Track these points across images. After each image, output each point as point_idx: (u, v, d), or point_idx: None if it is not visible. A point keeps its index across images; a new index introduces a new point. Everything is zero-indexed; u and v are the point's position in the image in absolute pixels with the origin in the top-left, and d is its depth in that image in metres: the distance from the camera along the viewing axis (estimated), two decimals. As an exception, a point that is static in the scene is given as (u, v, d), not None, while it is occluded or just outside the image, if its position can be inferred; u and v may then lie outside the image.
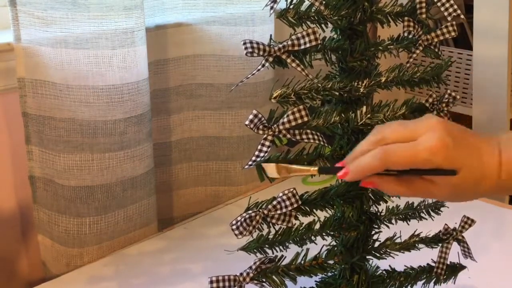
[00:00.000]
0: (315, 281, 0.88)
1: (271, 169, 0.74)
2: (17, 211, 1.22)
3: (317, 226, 0.83)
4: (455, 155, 0.67)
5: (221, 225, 1.27)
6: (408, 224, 0.89)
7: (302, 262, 0.83)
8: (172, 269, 1.13)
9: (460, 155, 0.68)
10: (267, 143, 0.75)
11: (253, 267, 0.80)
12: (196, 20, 1.31)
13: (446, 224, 0.91)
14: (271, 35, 0.76)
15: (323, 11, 0.76)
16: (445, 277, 0.92)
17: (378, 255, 0.88)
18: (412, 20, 0.82)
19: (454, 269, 0.93)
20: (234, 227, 0.77)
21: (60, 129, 1.14)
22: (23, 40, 1.10)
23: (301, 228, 0.82)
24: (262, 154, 0.75)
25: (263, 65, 0.74)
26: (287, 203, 0.78)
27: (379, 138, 0.69)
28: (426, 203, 0.89)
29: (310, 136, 0.77)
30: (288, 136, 0.76)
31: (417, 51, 0.83)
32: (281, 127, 0.75)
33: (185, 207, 1.42)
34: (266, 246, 0.80)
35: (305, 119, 0.76)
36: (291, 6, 0.75)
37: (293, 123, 0.75)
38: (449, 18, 0.80)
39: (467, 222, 0.90)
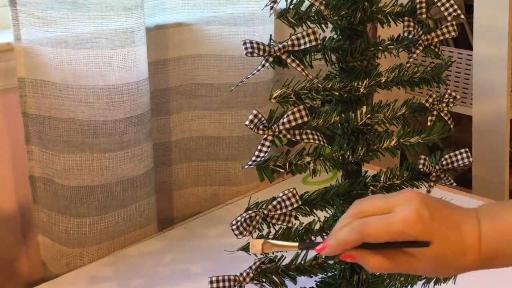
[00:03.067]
0: (315, 281, 0.87)
1: (257, 245, 0.72)
2: (17, 211, 1.22)
3: (317, 226, 0.83)
4: (431, 227, 0.65)
5: (221, 225, 1.27)
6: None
7: (302, 262, 0.83)
8: (172, 269, 1.13)
9: (436, 227, 0.65)
10: (267, 143, 0.75)
11: (253, 267, 0.80)
12: (196, 20, 1.31)
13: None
14: (271, 35, 0.76)
15: (323, 11, 0.76)
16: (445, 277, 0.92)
17: (378, 255, 0.88)
18: (412, 20, 0.82)
19: (454, 269, 0.93)
20: (234, 227, 0.77)
21: (60, 129, 1.13)
22: (23, 40, 1.10)
23: (301, 228, 0.82)
24: (262, 154, 0.75)
25: (263, 65, 0.74)
26: (287, 203, 0.78)
27: (357, 212, 0.67)
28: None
29: (310, 136, 0.77)
30: (288, 136, 0.76)
31: (417, 51, 0.82)
32: (281, 127, 0.75)
33: (185, 207, 1.42)
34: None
35: (305, 119, 0.76)
36: (291, 6, 0.75)
37: (293, 123, 0.75)
38: (449, 18, 0.80)
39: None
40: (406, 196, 0.67)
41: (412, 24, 0.82)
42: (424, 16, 0.81)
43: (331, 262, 0.85)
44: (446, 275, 0.70)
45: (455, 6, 0.80)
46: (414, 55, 0.82)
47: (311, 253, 0.83)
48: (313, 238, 0.83)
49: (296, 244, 0.71)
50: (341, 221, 0.68)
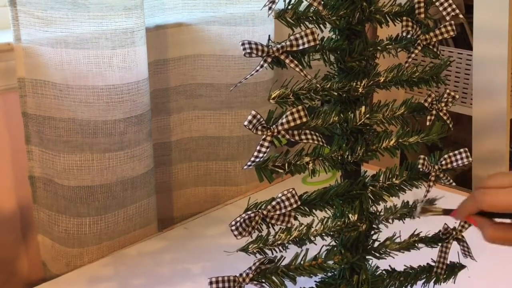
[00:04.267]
0: (315, 281, 0.88)
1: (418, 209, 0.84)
2: (17, 211, 1.23)
3: (317, 226, 0.83)
4: None
5: (221, 225, 1.27)
6: (403, 223, 0.89)
7: (302, 262, 0.83)
8: (172, 269, 1.13)
9: None
10: (266, 144, 0.75)
11: (253, 267, 0.80)
12: (196, 20, 1.31)
13: (445, 224, 0.91)
14: (269, 36, 0.76)
15: (322, 11, 0.76)
16: (445, 276, 0.92)
17: (378, 255, 0.88)
18: (411, 20, 0.82)
19: (454, 269, 0.93)
20: (233, 227, 0.77)
21: (60, 129, 1.14)
22: (23, 40, 1.10)
23: (300, 228, 0.82)
24: (261, 155, 0.75)
25: (262, 66, 0.74)
26: (287, 203, 0.78)
27: (482, 184, 0.74)
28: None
29: (309, 136, 0.77)
30: (287, 136, 0.76)
31: (416, 51, 0.82)
32: (280, 127, 0.75)
33: (185, 207, 1.42)
34: (266, 246, 0.80)
35: (304, 119, 0.76)
36: (289, 7, 0.75)
37: (292, 124, 0.75)
38: (447, 18, 0.80)
39: (467, 222, 0.90)
40: None
41: (410, 24, 0.82)
42: (422, 16, 0.81)
43: (330, 262, 0.85)
44: None
45: (454, 6, 0.80)
46: (413, 55, 0.82)
47: (311, 253, 0.83)
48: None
49: (441, 209, 0.83)
50: (472, 192, 0.77)
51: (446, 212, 0.81)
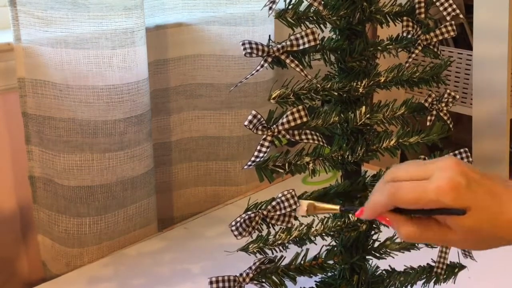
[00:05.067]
0: (315, 281, 0.88)
1: (302, 207, 0.76)
2: (17, 211, 1.22)
3: (317, 226, 0.83)
4: (467, 196, 0.62)
5: (221, 225, 1.27)
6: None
7: (302, 262, 0.83)
8: (172, 269, 1.13)
9: (473, 197, 0.63)
10: (266, 144, 0.75)
11: (253, 267, 0.80)
12: (196, 20, 1.31)
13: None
14: (269, 36, 0.76)
15: (322, 11, 0.76)
16: (445, 276, 0.92)
17: (378, 255, 0.88)
18: (411, 20, 0.82)
19: (454, 269, 0.93)
20: (233, 228, 0.77)
21: (60, 129, 1.14)
22: (23, 40, 1.10)
23: (300, 228, 0.82)
24: (261, 155, 0.75)
25: (262, 66, 0.74)
26: (286, 204, 0.78)
27: (392, 177, 0.66)
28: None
29: (310, 136, 0.77)
30: (288, 136, 0.76)
31: (416, 51, 0.82)
32: (280, 127, 0.75)
33: (185, 207, 1.42)
34: (266, 246, 0.80)
35: (304, 119, 0.76)
36: (290, 7, 0.75)
37: (292, 124, 0.75)
38: (448, 18, 0.80)
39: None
40: (443, 164, 0.64)
41: (411, 24, 0.82)
42: (423, 16, 0.81)
43: (330, 262, 0.85)
44: (485, 248, 0.68)
45: (454, 6, 0.80)
46: (413, 55, 0.82)
47: (311, 253, 0.83)
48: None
49: (338, 206, 0.74)
50: (377, 185, 0.68)
51: (346, 211, 0.74)
